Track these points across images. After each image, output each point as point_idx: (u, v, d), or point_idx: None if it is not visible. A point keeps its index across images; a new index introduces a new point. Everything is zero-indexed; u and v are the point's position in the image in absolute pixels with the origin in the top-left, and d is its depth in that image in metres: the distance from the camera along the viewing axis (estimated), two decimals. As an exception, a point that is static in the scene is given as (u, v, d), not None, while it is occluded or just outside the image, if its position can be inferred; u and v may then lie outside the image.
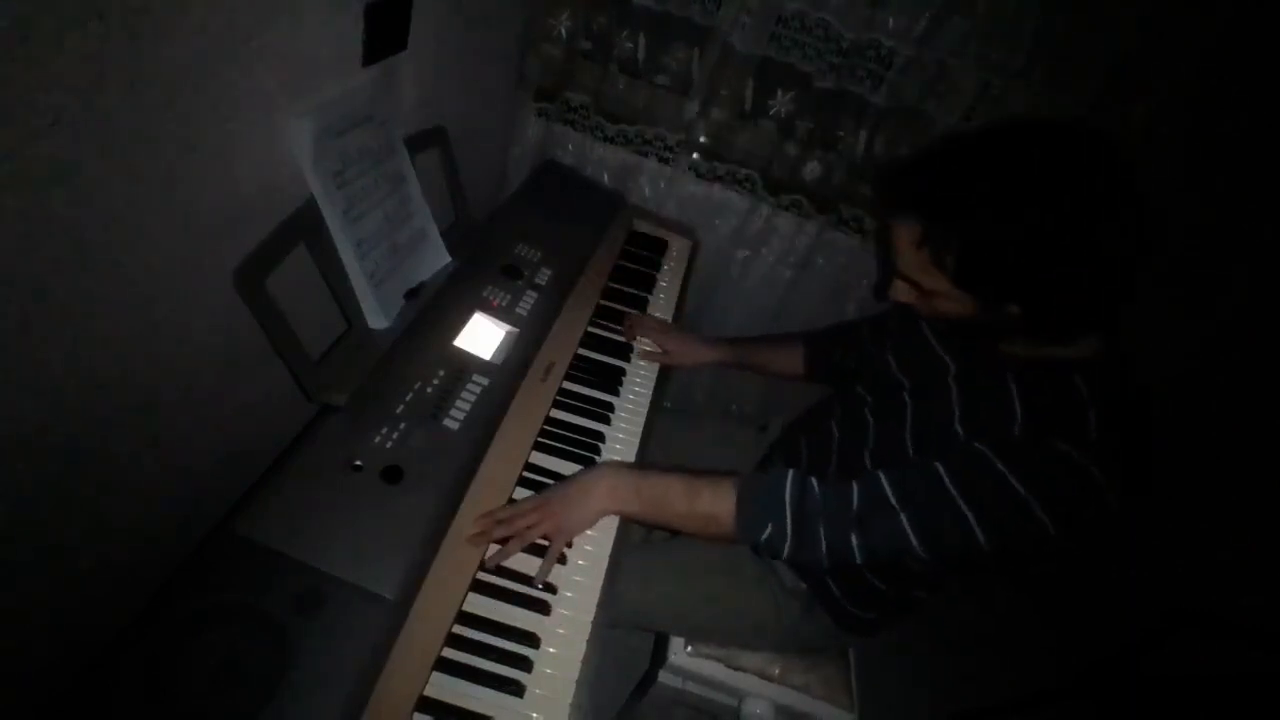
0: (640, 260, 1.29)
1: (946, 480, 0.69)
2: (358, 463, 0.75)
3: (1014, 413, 0.71)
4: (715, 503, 0.77)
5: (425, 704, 0.65)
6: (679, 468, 0.82)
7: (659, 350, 1.13)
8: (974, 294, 0.69)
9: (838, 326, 1.19)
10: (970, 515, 0.68)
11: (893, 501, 0.71)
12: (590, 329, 1.10)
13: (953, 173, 0.67)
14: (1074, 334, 0.71)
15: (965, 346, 0.82)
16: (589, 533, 0.85)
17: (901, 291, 0.77)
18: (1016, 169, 0.65)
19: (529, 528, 0.78)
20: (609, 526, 0.87)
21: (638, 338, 1.13)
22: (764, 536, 0.74)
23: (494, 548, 0.79)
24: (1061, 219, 0.62)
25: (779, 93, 1.34)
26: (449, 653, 0.69)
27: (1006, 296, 0.68)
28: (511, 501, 0.83)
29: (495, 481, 0.83)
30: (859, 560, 0.72)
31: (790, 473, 0.76)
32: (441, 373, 0.87)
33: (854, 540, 0.72)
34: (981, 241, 0.65)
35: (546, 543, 0.79)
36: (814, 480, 0.75)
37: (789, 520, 0.73)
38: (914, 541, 0.70)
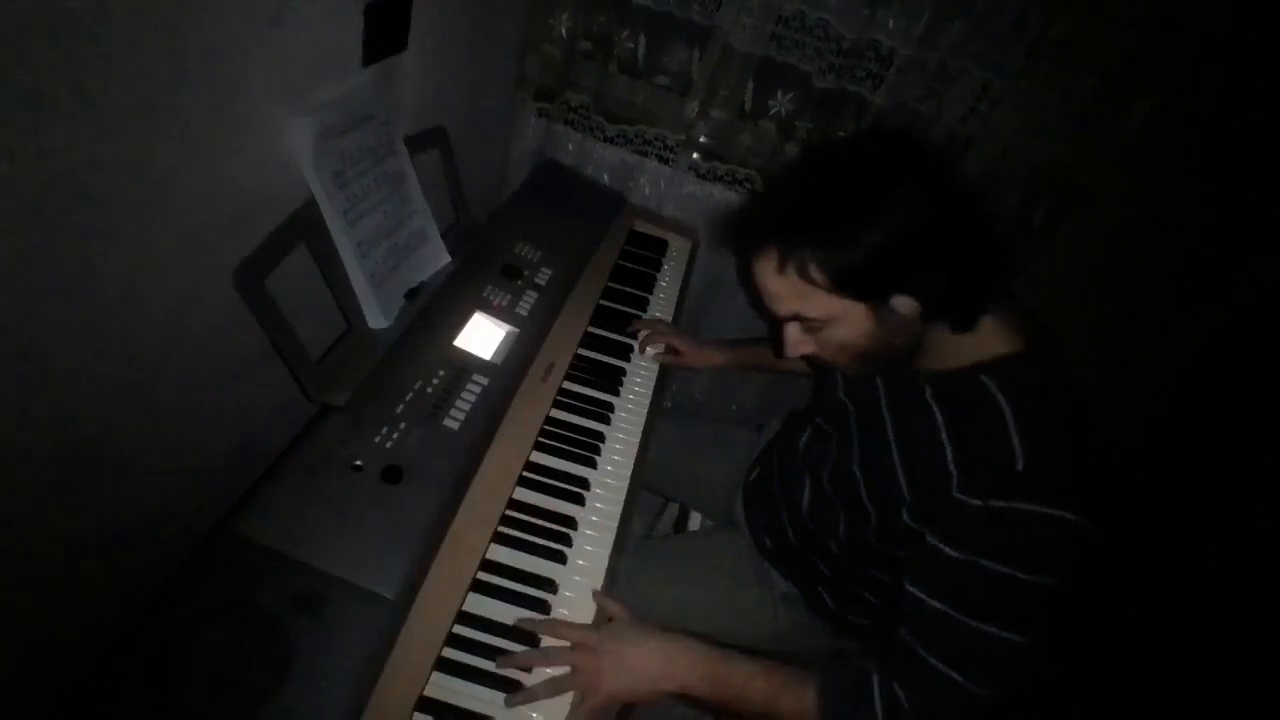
0: (640, 260, 1.29)
1: (948, 610, 0.65)
2: (358, 463, 0.75)
3: (944, 450, 0.68)
4: (799, 706, 0.69)
5: (425, 704, 0.65)
6: (756, 656, 0.73)
7: (670, 353, 1.13)
8: (857, 297, 0.66)
9: None
10: (999, 631, 0.63)
11: (952, 674, 0.65)
12: (590, 329, 1.10)
13: (779, 189, 0.69)
14: (970, 315, 0.68)
15: (886, 374, 0.79)
16: (588, 532, 0.85)
17: (796, 341, 0.74)
18: (840, 162, 0.67)
19: (569, 673, 0.70)
20: (608, 527, 0.87)
21: (648, 342, 1.13)
22: None
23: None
24: (900, 193, 0.62)
25: (779, 93, 1.34)
26: (449, 653, 0.69)
27: (887, 286, 0.66)
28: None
29: (495, 481, 0.83)
30: None
31: (875, 680, 0.68)
32: (441, 373, 0.87)
33: None
34: (833, 235, 0.64)
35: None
36: (897, 688, 0.67)
37: None
38: (984, 694, 0.65)
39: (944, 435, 0.69)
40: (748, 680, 0.71)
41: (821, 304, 0.67)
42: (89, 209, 0.54)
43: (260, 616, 0.62)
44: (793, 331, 0.74)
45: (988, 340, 0.70)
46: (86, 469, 0.65)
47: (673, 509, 1.40)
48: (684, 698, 0.73)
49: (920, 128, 1.31)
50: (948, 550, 0.65)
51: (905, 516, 0.72)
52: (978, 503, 0.64)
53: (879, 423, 0.78)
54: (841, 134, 0.68)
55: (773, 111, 1.36)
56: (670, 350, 1.14)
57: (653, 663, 0.72)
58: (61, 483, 0.63)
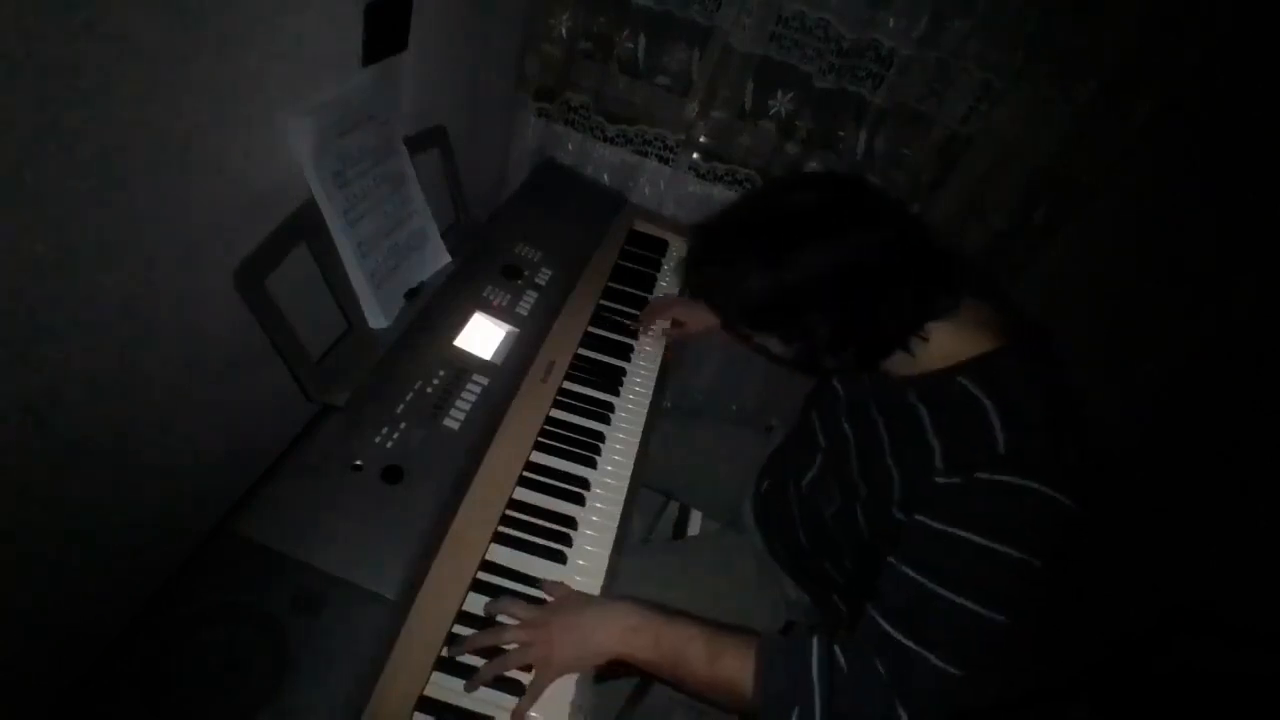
0: (640, 260, 1.29)
1: (920, 579, 0.64)
2: (358, 463, 0.75)
3: (933, 447, 0.69)
4: (739, 669, 0.68)
5: (425, 704, 0.65)
6: (700, 620, 0.72)
7: (674, 326, 1.15)
8: (754, 332, 0.73)
9: None
10: (969, 603, 0.62)
11: (912, 646, 0.63)
12: (590, 329, 1.10)
13: (696, 241, 0.75)
14: (886, 346, 0.71)
15: (870, 376, 0.82)
16: (588, 532, 0.85)
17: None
18: (764, 214, 0.71)
19: (517, 649, 0.69)
20: (608, 527, 0.87)
21: (652, 325, 1.15)
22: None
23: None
24: (806, 251, 0.66)
25: (779, 93, 1.34)
26: (448, 652, 0.69)
27: (779, 331, 0.72)
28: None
29: (495, 481, 0.83)
30: None
31: (815, 647, 0.67)
32: (441, 373, 0.87)
33: (902, 714, 0.62)
34: (726, 284, 0.71)
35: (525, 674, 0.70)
36: (839, 649, 0.66)
37: (817, 705, 0.64)
38: (954, 671, 0.62)
39: (930, 435, 0.70)
40: (689, 642, 0.70)
41: (733, 328, 0.73)
42: (89, 209, 0.54)
43: (260, 616, 0.62)
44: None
45: (962, 342, 0.70)
46: (87, 469, 0.65)
47: (673, 509, 1.40)
48: (630, 666, 0.72)
49: (920, 128, 1.31)
50: (929, 522, 0.65)
51: (897, 514, 0.72)
52: (960, 479, 0.64)
53: (874, 430, 0.79)
54: (791, 174, 0.74)
55: (773, 111, 1.36)
56: (675, 324, 1.15)
57: (596, 626, 0.71)
58: (62, 482, 0.63)
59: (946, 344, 0.71)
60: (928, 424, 0.71)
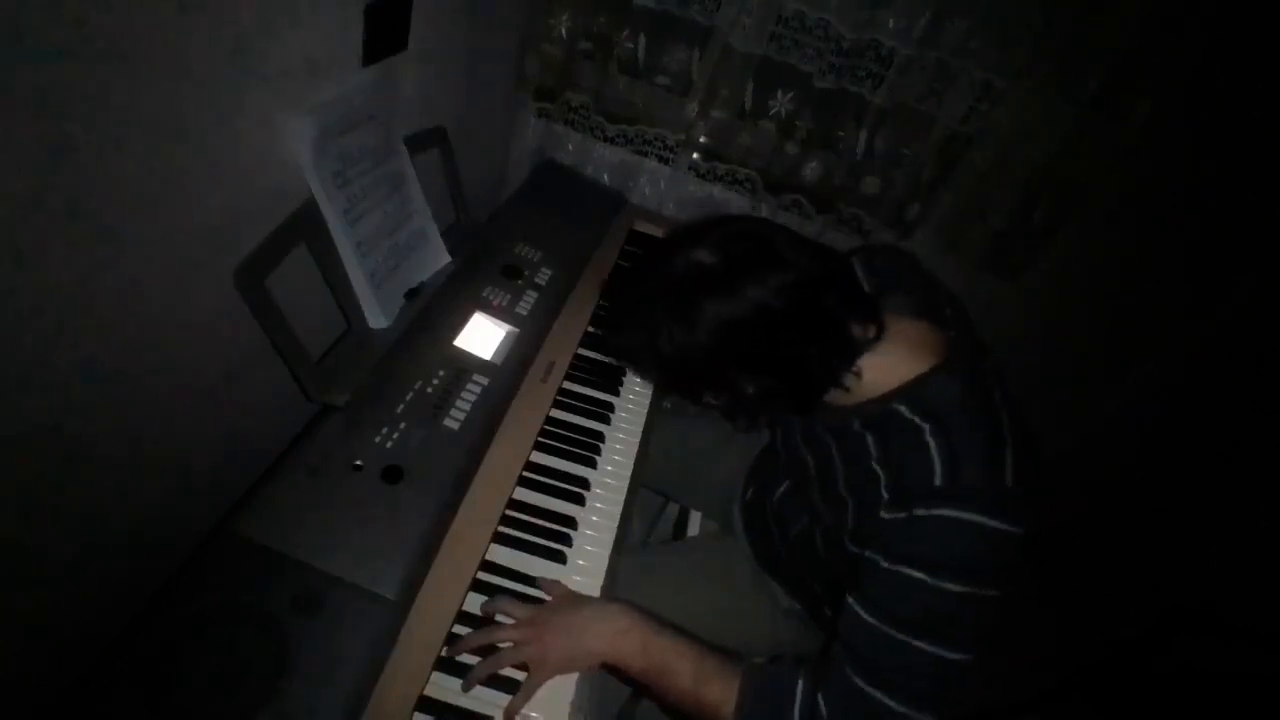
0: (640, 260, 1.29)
1: (876, 623, 0.63)
2: (358, 463, 0.75)
3: (878, 475, 0.68)
4: (722, 698, 0.68)
5: (425, 704, 0.65)
6: (695, 639, 0.72)
7: None
8: (703, 391, 0.73)
9: None
10: (930, 648, 0.61)
11: (871, 691, 0.63)
12: (590, 329, 1.10)
13: (610, 306, 0.77)
14: (815, 389, 0.70)
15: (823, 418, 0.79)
16: (588, 532, 0.85)
17: None
18: (645, 278, 0.71)
19: (511, 648, 0.69)
20: (608, 527, 0.87)
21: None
22: None
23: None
24: (701, 313, 0.65)
25: (779, 93, 1.34)
26: (446, 652, 0.69)
27: (704, 387, 0.72)
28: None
29: (495, 481, 0.83)
30: None
31: (800, 689, 0.67)
32: (441, 373, 0.87)
33: None
34: (643, 347, 0.70)
35: (520, 672, 0.70)
36: (821, 697, 0.65)
37: None
38: (920, 716, 0.62)
39: (875, 464, 0.69)
40: (678, 657, 0.70)
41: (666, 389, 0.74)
42: (89, 209, 0.54)
43: (260, 616, 0.62)
44: None
45: (897, 366, 0.69)
46: (86, 468, 0.65)
47: (673, 509, 1.40)
48: (617, 671, 0.73)
49: (920, 128, 1.31)
50: (879, 560, 0.64)
51: (850, 546, 0.71)
52: (902, 515, 0.63)
53: (829, 457, 0.77)
54: (691, 225, 0.72)
55: (773, 111, 1.36)
56: None
57: (588, 627, 0.71)
58: (61, 482, 0.63)
59: (880, 371, 0.69)
60: (873, 452, 0.69)
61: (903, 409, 0.67)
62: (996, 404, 0.67)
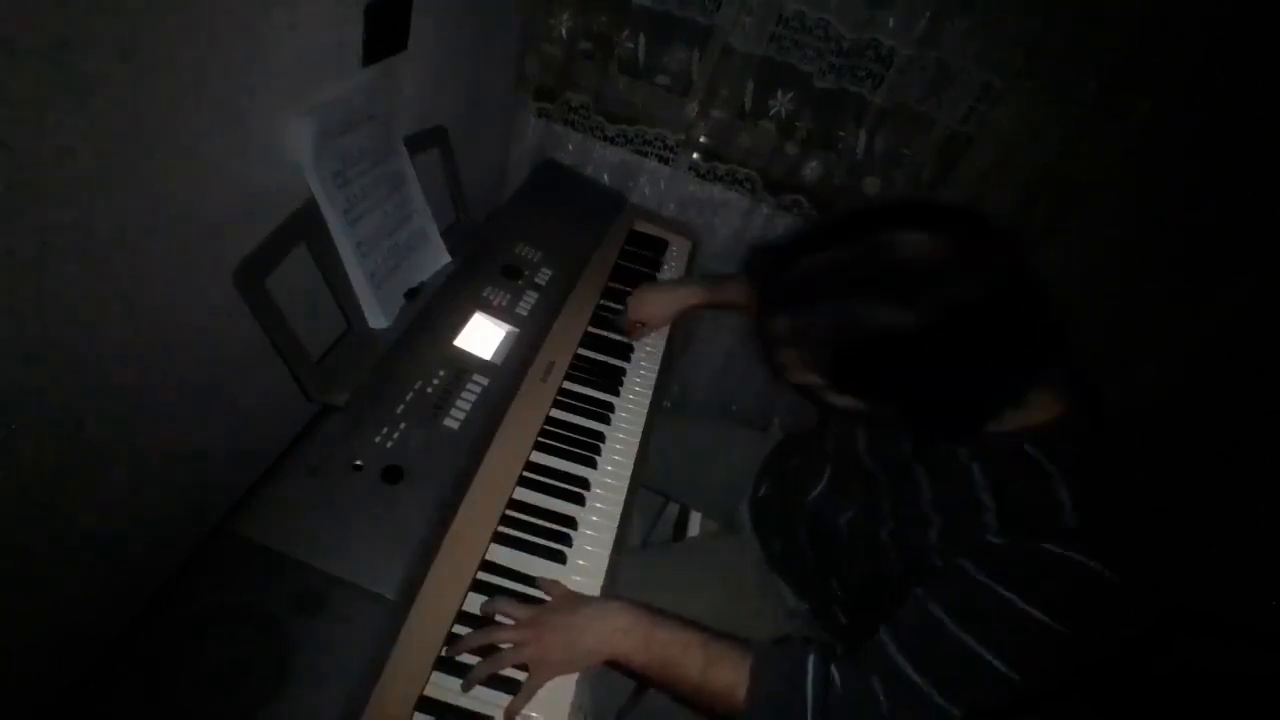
0: (640, 260, 1.29)
1: (950, 624, 0.62)
2: (358, 463, 0.75)
3: (981, 504, 0.65)
4: (732, 680, 0.67)
5: (425, 704, 0.65)
6: (695, 625, 0.71)
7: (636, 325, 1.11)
8: (854, 395, 0.65)
9: None
10: (990, 657, 0.60)
11: (916, 679, 0.62)
12: (590, 329, 1.10)
13: (817, 264, 0.62)
14: (972, 424, 0.66)
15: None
16: (588, 532, 0.85)
17: (794, 378, 0.70)
18: (878, 255, 0.60)
19: (511, 649, 0.69)
20: (608, 527, 0.87)
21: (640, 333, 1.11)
22: None
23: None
24: (923, 309, 0.58)
25: (779, 93, 1.34)
26: (446, 652, 0.69)
27: (886, 398, 0.65)
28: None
29: (495, 481, 0.83)
30: None
31: (811, 663, 0.67)
32: (441, 373, 0.87)
33: None
34: (850, 341, 0.61)
35: (520, 672, 0.69)
36: (834, 669, 0.66)
37: None
38: (954, 712, 0.62)
39: (982, 493, 0.66)
40: (684, 649, 0.69)
41: (812, 381, 0.66)
42: (89, 209, 0.54)
43: (260, 616, 0.62)
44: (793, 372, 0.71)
45: (1029, 409, 0.66)
46: (86, 469, 0.65)
47: (673, 509, 1.40)
48: (622, 668, 0.72)
49: (920, 128, 1.31)
50: (973, 571, 0.62)
51: (935, 560, 0.69)
52: (1017, 542, 0.61)
53: (909, 474, 0.75)
54: (904, 201, 0.62)
55: (773, 111, 1.36)
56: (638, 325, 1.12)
57: (588, 627, 0.70)
58: (61, 482, 0.63)
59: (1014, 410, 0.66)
60: (980, 482, 0.67)
61: (1033, 451, 0.64)
62: (1124, 460, 0.65)
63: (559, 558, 0.81)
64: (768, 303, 0.66)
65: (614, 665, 0.72)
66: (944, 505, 0.71)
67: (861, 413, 0.68)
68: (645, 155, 1.45)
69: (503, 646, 0.70)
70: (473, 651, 0.69)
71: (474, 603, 0.74)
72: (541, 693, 0.69)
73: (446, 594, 0.71)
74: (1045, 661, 0.62)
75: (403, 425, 0.79)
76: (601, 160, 1.47)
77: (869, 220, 0.62)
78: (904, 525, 0.75)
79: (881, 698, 0.63)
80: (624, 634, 0.70)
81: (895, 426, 0.69)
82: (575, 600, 0.75)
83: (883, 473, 0.81)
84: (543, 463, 0.90)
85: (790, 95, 1.33)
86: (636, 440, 0.99)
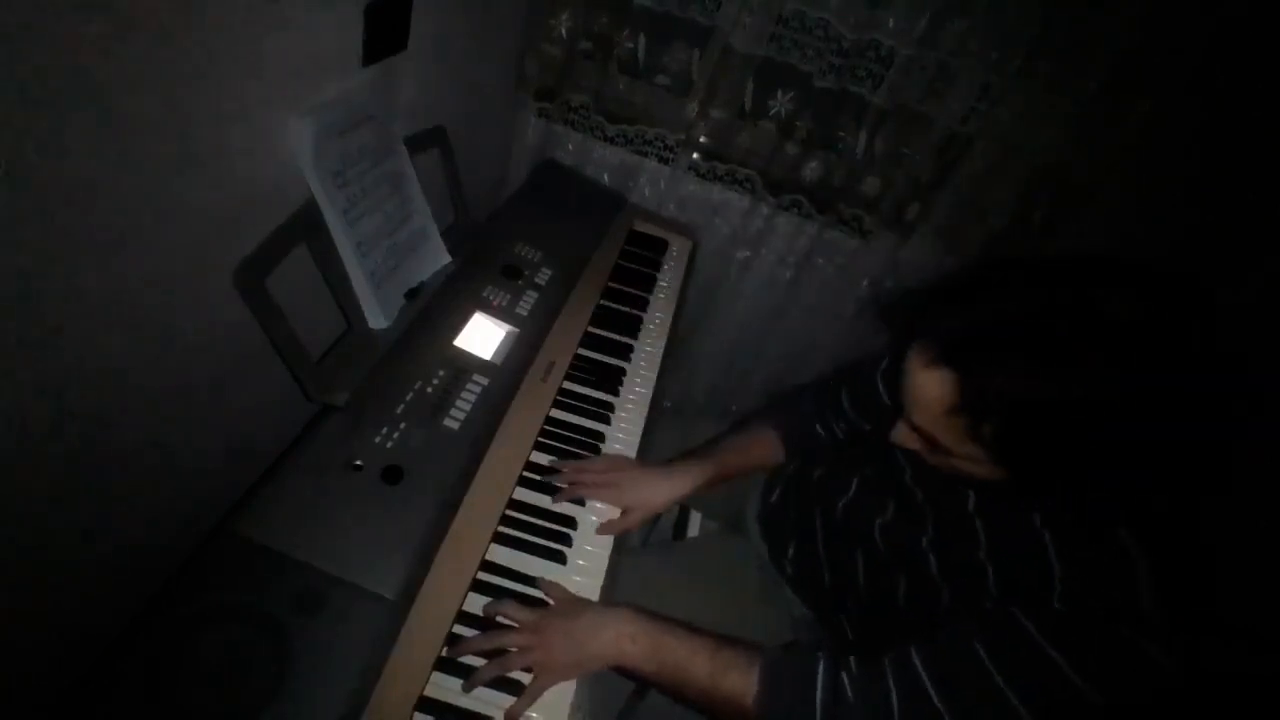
0: (640, 260, 1.29)
1: (989, 664, 0.59)
2: (358, 463, 0.75)
3: (1050, 568, 0.61)
4: (742, 687, 0.66)
5: (425, 704, 0.65)
6: (702, 632, 0.71)
7: (610, 500, 0.88)
8: (1011, 470, 0.59)
9: (810, 394, 1.03)
10: (1021, 710, 0.58)
11: (936, 701, 0.61)
12: (590, 329, 1.10)
13: (1016, 321, 0.54)
14: (1126, 510, 0.61)
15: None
16: (588, 532, 0.85)
17: (905, 438, 0.66)
18: (1100, 329, 0.53)
19: (515, 652, 0.68)
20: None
21: (568, 496, 0.87)
22: None
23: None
24: (1143, 399, 0.52)
25: (779, 93, 1.34)
26: (448, 652, 0.69)
27: (1052, 478, 0.58)
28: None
29: (495, 481, 0.83)
30: None
31: (820, 668, 0.66)
32: (441, 373, 0.87)
33: None
34: (1040, 417, 0.54)
35: (525, 674, 0.68)
36: (845, 677, 0.65)
37: None
38: None
39: (1053, 556, 0.62)
40: (691, 655, 0.69)
41: (956, 441, 0.59)
42: (89, 209, 0.54)
43: (260, 616, 0.62)
44: (907, 432, 0.66)
45: None
46: (87, 469, 0.65)
47: (673, 509, 1.40)
48: (628, 673, 0.72)
49: (920, 128, 1.30)
50: (1030, 628, 0.59)
51: (989, 605, 0.66)
52: (1082, 614, 0.59)
53: (966, 524, 0.71)
54: (1112, 261, 0.56)
55: (773, 111, 1.36)
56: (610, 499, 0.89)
57: (594, 633, 0.70)
58: (62, 482, 0.63)
59: None
60: (1051, 549, 0.62)
61: (1126, 536, 0.61)
62: (1202, 552, 0.64)
63: (559, 558, 0.81)
64: (935, 350, 0.58)
65: (620, 671, 0.72)
66: (1002, 559, 0.67)
67: (989, 481, 0.62)
68: (645, 155, 1.45)
69: (509, 649, 0.70)
70: (476, 654, 0.69)
71: (474, 603, 0.74)
72: (487, 672, 0.68)
73: (447, 594, 0.71)
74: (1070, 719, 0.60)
75: (403, 425, 0.79)
76: (601, 160, 1.47)
77: (1058, 270, 0.56)
78: (951, 562, 0.72)
79: (896, 714, 0.62)
80: (631, 640, 0.70)
81: (1017, 496, 0.63)
82: (580, 605, 0.74)
83: (930, 507, 0.77)
84: (543, 463, 0.90)
85: (790, 95, 1.33)
86: (636, 440, 0.99)
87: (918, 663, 0.63)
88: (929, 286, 0.65)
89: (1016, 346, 0.54)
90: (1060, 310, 0.54)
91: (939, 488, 0.77)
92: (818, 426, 1.01)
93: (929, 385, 0.59)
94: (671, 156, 1.45)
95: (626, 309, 1.17)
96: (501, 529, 0.81)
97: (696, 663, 0.68)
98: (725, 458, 0.97)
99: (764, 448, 1.01)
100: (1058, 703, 0.58)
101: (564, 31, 1.32)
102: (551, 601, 0.76)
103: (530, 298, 1.04)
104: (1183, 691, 0.58)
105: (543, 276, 1.09)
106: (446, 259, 1.02)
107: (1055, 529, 0.63)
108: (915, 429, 0.64)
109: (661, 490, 0.90)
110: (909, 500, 0.80)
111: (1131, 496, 0.60)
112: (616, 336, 1.12)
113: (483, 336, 0.95)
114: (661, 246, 1.34)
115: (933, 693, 0.61)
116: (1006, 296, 0.57)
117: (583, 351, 1.06)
